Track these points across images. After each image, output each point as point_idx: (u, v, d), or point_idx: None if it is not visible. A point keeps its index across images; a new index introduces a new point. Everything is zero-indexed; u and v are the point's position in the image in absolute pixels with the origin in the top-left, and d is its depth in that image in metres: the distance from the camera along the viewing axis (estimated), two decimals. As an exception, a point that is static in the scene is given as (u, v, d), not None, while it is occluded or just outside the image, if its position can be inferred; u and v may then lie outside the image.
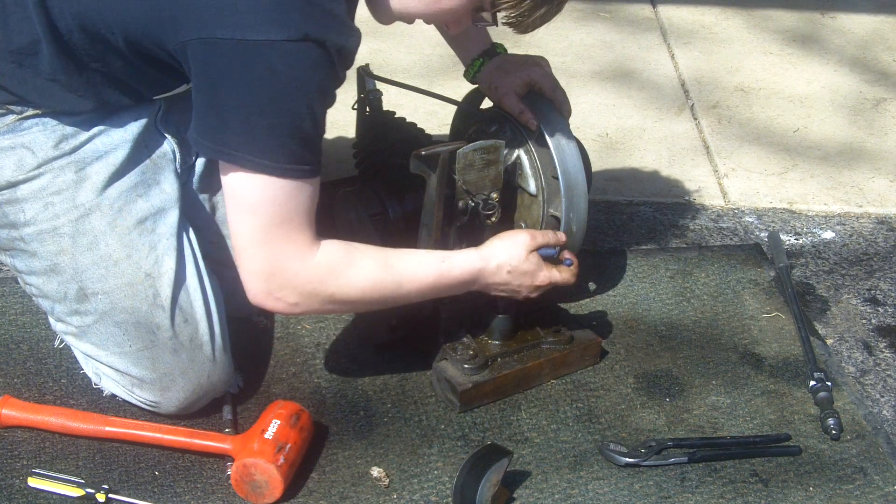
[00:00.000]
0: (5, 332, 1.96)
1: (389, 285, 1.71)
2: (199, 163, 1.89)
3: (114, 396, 1.83)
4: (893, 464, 1.86)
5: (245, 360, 1.94)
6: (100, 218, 1.72)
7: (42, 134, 1.70)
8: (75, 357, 1.89)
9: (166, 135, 1.82)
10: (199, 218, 1.88)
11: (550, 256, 1.84)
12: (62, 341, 1.91)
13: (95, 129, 1.74)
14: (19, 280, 1.83)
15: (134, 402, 1.80)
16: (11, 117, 1.70)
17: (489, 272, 1.78)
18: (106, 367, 1.78)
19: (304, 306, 1.68)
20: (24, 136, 1.70)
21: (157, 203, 1.76)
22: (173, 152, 1.83)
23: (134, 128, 1.77)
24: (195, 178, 1.89)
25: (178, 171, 1.83)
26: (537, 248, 1.81)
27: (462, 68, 2.09)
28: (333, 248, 1.67)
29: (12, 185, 1.71)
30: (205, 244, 1.84)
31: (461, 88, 2.15)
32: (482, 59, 2.02)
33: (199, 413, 1.82)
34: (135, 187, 1.75)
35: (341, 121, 2.26)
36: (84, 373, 1.87)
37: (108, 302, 1.72)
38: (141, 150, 1.78)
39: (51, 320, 1.84)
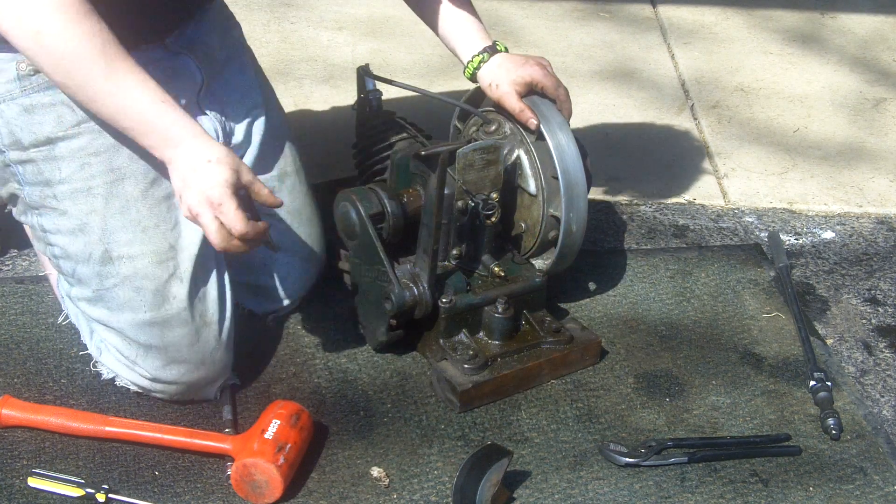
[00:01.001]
0: (5, 332, 1.96)
1: (97, 71, 1.56)
2: (254, 145, 1.93)
3: (112, 381, 1.84)
4: (893, 464, 1.86)
5: (245, 360, 1.95)
6: (134, 185, 1.75)
7: None
8: (75, 357, 1.89)
9: (208, 111, 1.85)
10: None
11: (250, 208, 1.66)
12: (66, 317, 1.95)
13: None
14: (40, 244, 1.85)
15: (132, 379, 1.82)
16: None
17: (184, 153, 1.61)
18: (113, 335, 1.79)
19: (7, 23, 1.52)
20: (64, 94, 1.70)
21: None
22: (214, 131, 1.86)
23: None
24: (249, 163, 1.92)
25: None
26: (240, 187, 1.63)
27: (461, 68, 2.09)
28: None
29: (51, 141, 1.72)
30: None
31: (461, 88, 2.15)
32: (482, 56, 2.00)
33: (198, 413, 1.83)
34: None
35: (341, 121, 2.26)
36: (84, 371, 1.88)
37: (131, 267, 1.75)
38: None
39: (63, 287, 1.86)
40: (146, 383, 1.81)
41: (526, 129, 1.95)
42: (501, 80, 1.97)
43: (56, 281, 1.94)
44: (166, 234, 1.77)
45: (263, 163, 1.97)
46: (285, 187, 1.99)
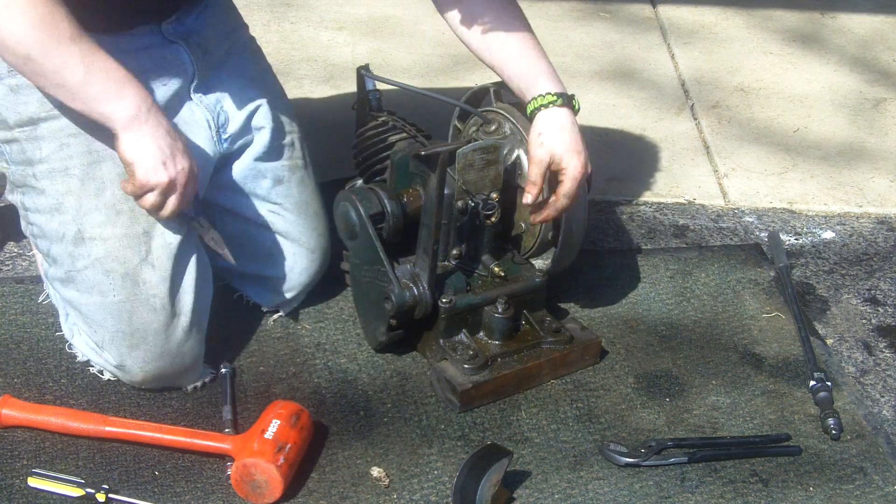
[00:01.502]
0: (5, 332, 1.96)
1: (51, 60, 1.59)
2: (261, 138, 1.94)
3: (86, 365, 1.87)
4: (893, 464, 1.86)
5: (245, 360, 1.95)
6: (111, 168, 1.76)
7: None
8: (75, 357, 1.90)
9: (200, 102, 1.87)
10: (239, 198, 1.96)
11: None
12: (47, 296, 1.98)
13: None
14: (23, 223, 1.86)
15: (101, 364, 1.84)
16: None
17: (131, 119, 1.66)
18: (83, 319, 1.81)
19: None
20: None
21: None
22: (206, 120, 1.87)
23: (161, 91, 1.81)
24: (257, 153, 1.94)
25: (216, 145, 1.88)
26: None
27: (461, 68, 2.08)
28: None
29: (34, 121, 1.75)
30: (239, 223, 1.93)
31: (461, 88, 2.15)
32: (556, 99, 1.85)
33: (198, 413, 1.83)
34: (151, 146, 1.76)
35: (341, 121, 2.26)
36: (84, 371, 1.88)
37: (102, 248, 1.76)
38: (169, 115, 1.79)
39: (43, 266, 1.87)
40: (112, 369, 1.82)
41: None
42: (555, 143, 1.84)
43: (40, 261, 1.96)
44: (140, 218, 1.77)
45: (273, 154, 1.98)
46: (295, 178, 2.00)
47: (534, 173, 1.86)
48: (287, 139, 2.00)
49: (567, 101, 1.86)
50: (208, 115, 1.88)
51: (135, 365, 1.80)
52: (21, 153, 1.77)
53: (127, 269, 1.76)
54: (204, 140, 1.87)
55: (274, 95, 2.01)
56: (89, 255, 1.77)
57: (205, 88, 1.89)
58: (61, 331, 1.93)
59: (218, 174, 1.94)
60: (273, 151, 1.97)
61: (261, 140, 1.96)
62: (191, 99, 1.87)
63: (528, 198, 1.87)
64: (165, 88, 1.83)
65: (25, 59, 1.59)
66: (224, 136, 1.91)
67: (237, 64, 1.97)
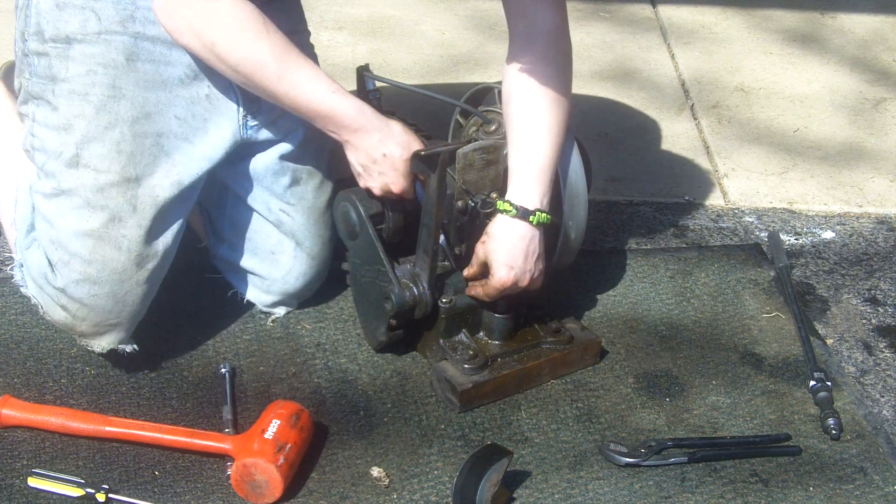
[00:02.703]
0: (5, 332, 1.96)
1: (270, 74, 1.75)
2: (295, 140, 1.96)
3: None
4: (893, 464, 1.86)
5: (245, 360, 1.95)
6: (128, 109, 1.79)
7: (113, 6, 1.77)
8: (75, 357, 1.90)
9: (234, 85, 1.86)
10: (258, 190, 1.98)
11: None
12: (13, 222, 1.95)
13: (163, 35, 1.79)
14: (25, 135, 1.86)
15: (39, 295, 1.84)
16: None
17: (366, 135, 1.82)
18: (50, 234, 1.81)
19: (186, 38, 1.73)
20: (97, 2, 1.76)
21: (189, 136, 1.83)
22: (238, 102, 1.88)
23: (202, 65, 1.83)
24: (284, 151, 1.96)
25: (240, 130, 1.89)
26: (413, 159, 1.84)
27: (461, 68, 2.08)
28: (248, 7, 1.72)
29: (69, 41, 1.78)
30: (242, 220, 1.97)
31: (461, 88, 2.15)
32: (514, 211, 1.84)
33: (198, 413, 1.83)
34: (172, 107, 1.82)
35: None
36: (84, 371, 1.88)
37: (93, 178, 1.78)
38: (198, 86, 1.84)
39: (31, 181, 1.87)
40: (52, 294, 1.82)
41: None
42: (492, 250, 1.85)
43: (8, 225, 1.98)
44: (138, 165, 1.80)
45: (298, 156, 1.98)
46: (313, 183, 2.00)
47: (473, 261, 1.91)
48: (315, 145, 1.98)
49: (524, 215, 1.83)
50: (239, 96, 1.88)
51: (77, 292, 1.80)
52: (48, 68, 1.79)
53: (108, 204, 1.79)
54: (228, 119, 1.88)
55: None
56: (79, 179, 1.79)
57: None
58: (61, 331, 1.93)
59: (242, 162, 1.95)
60: (299, 153, 1.97)
61: (290, 140, 1.96)
62: (231, 84, 1.87)
63: (465, 272, 1.93)
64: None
65: (246, 88, 1.79)
66: (251, 124, 1.90)
67: None
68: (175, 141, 1.83)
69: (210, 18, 1.71)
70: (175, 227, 1.86)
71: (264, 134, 1.93)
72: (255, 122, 1.91)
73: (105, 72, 1.78)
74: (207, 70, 1.83)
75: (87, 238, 1.79)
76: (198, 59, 1.81)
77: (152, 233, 1.82)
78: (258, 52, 1.73)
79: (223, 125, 1.87)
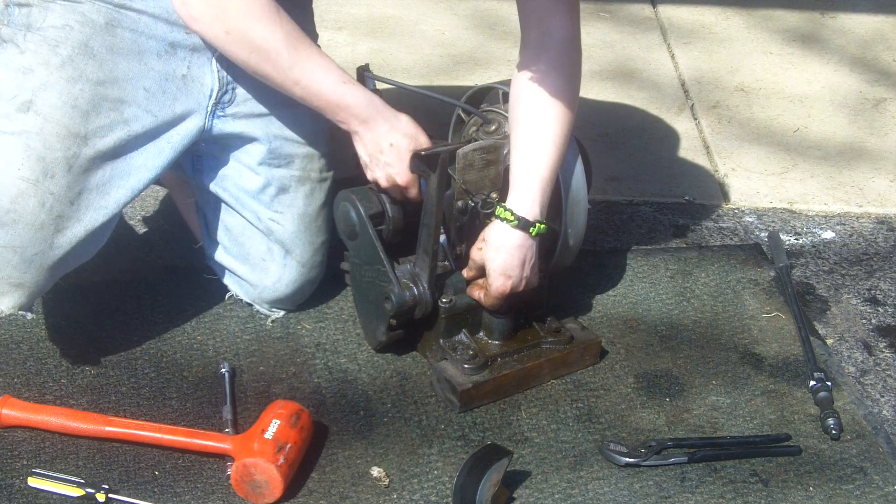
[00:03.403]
0: (5, 332, 1.96)
1: (282, 62, 1.77)
2: (264, 147, 1.94)
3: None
4: (893, 464, 1.86)
5: (245, 360, 1.95)
6: (95, 70, 1.78)
7: None
8: (75, 357, 1.89)
9: (214, 72, 1.86)
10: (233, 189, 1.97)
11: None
12: None
13: (151, 9, 1.79)
14: None
15: None
16: None
17: (375, 125, 1.85)
18: None
19: (201, 23, 1.75)
20: None
21: (154, 110, 1.82)
22: (210, 90, 1.87)
23: (185, 45, 1.83)
24: (261, 158, 1.95)
25: (207, 114, 1.88)
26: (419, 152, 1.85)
27: (461, 68, 2.08)
28: None
29: None
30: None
31: (461, 88, 2.15)
32: (515, 221, 1.83)
33: (198, 413, 1.83)
34: (143, 78, 1.81)
35: (341, 121, 2.25)
36: (84, 371, 1.88)
37: (37, 124, 1.74)
38: (176, 64, 1.83)
39: None
40: None
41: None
42: (489, 258, 1.85)
43: None
44: (90, 125, 1.77)
45: (281, 162, 1.96)
46: (303, 190, 1.98)
47: (470, 265, 1.92)
48: (304, 150, 1.97)
49: (524, 226, 1.83)
50: (214, 85, 1.87)
51: None
52: (26, 17, 1.78)
53: (45, 156, 1.74)
54: (193, 101, 1.86)
55: (313, 112, 1.97)
56: (24, 124, 1.75)
57: (230, 64, 1.87)
58: (62, 331, 1.93)
59: (225, 169, 1.94)
60: (282, 160, 1.96)
61: (270, 147, 1.94)
62: (209, 61, 1.87)
63: (465, 273, 1.93)
64: (188, 44, 1.84)
65: (257, 76, 1.80)
66: (219, 114, 1.89)
67: None
68: (137, 111, 1.80)
69: (225, 5, 1.72)
70: (109, 204, 1.79)
71: (230, 129, 1.91)
72: (224, 113, 1.90)
73: (81, 29, 1.77)
74: (191, 52, 1.83)
75: (11, 186, 1.72)
76: (185, 40, 1.82)
77: (83, 199, 1.77)
78: (272, 39, 1.74)
79: (192, 109, 1.86)
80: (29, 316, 1.85)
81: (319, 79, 1.80)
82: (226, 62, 1.86)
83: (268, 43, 1.75)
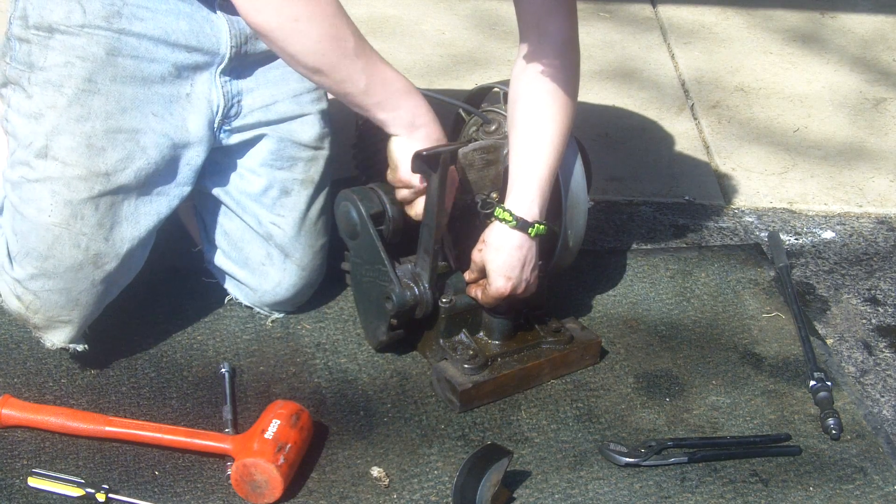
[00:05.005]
0: (5, 332, 1.96)
1: (349, 50, 1.71)
2: (267, 148, 1.94)
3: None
4: (893, 464, 1.86)
5: (245, 360, 1.95)
6: (102, 104, 1.78)
7: (99, 1, 1.77)
8: (75, 357, 1.89)
9: (219, 88, 1.86)
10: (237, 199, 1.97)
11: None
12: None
13: (150, 32, 1.79)
14: (2, 117, 1.86)
15: (1, 281, 1.82)
16: None
17: (417, 133, 1.81)
18: (13, 224, 1.79)
19: (265, 15, 1.68)
20: None
21: (168, 132, 1.82)
22: (217, 107, 1.87)
23: (187, 65, 1.83)
24: (264, 160, 1.95)
25: (215, 130, 1.88)
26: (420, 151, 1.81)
27: (461, 68, 2.08)
28: None
29: (51, 30, 1.78)
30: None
31: (461, 88, 2.15)
32: (514, 222, 1.83)
33: (198, 413, 1.83)
34: (150, 104, 1.81)
35: (341, 120, 2.26)
36: (84, 371, 1.88)
37: (59, 170, 1.76)
38: (180, 85, 1.83)
39: (3, 168, 1.86)
40: (10, 284, 1.80)
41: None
42: (489, 259, 1.85)
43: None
44: (108, 160, 1.78)
45: (284, 164, 1.96)
46: (305, 193, 1.99)
47: (471, 268, 1.91)
48: (307, 153, 1.97)
49: (523, 227, 1.82)
50: (220, 101, 1.87)
51: (32, 285, 1.78)
52: (27, 55, 1.79)
53: (72, 199, 1.76)
54: (201, 119, 1.86)
55: (315, 113, 1.99)
56: (45, 170, 1.77)
57: (235, 74, 1.88)
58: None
59: (228, 174, 1.95)
60: (285, 162, 1.96)
61: (272, 151, 1.94)
62: (213, 77, 1.87)
63: (466, 276, 1.93)
64: (191, 60, 1.84)
65: (314, 72, 1.73)
66: (226, 128, 1.90)
67: (287, 74, 1.94)
68: (152, 136, 1.81)
69: None
70: (142, 232, 1.83)
71: (237, 139, 1.92)
72: (231, 127, 1.90)
73: (83, 65, 1.77)
74: (193, 71, 1.83)
75: (46, 233, 1.76)
76: (186, 60, 1.81)
77: (116, 233, 1.80)
78: (341, 27, 1.71)
79: (201, 126, 1.86)
80: (80, 348, 1.86)
81: (388, 76, 1.77)
82: (230, 77, 1.87)
83: (337, 30, 1.70)
